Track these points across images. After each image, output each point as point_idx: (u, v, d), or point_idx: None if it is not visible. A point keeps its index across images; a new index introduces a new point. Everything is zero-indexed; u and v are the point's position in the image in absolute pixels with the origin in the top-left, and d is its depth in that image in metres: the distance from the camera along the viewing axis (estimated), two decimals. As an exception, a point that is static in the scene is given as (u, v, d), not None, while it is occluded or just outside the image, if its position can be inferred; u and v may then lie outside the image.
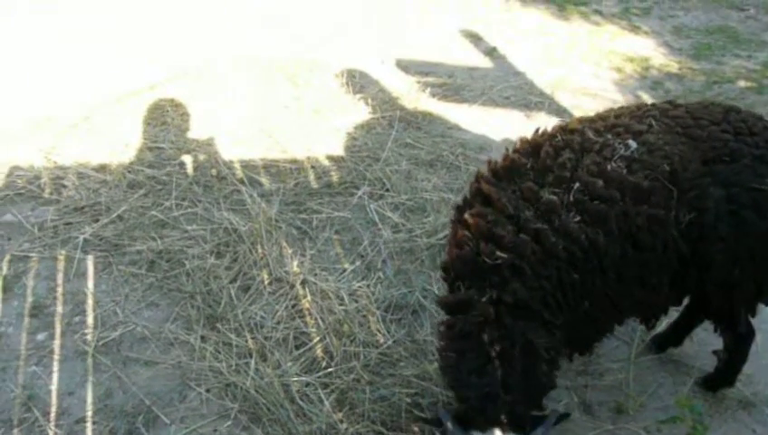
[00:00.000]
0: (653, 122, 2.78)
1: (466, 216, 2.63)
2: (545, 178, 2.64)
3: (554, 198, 2.57)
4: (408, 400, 3.24)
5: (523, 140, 2.86)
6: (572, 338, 2.75)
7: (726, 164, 2.68)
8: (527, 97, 6.03)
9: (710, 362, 3.50)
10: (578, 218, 2.54)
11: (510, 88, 6.16)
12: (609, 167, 2.61)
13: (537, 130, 2.91)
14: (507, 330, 2.48)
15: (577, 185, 2.58)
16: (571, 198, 2.56)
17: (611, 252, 2.56)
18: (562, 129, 2.86)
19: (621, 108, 3.04)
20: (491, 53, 6.77)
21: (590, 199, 2.56)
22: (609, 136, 2.74)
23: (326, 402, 3.21)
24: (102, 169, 4.73)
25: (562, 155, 2.68)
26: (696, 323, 3.47)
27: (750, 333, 3.18)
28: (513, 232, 2.53)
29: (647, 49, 7.00)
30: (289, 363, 3.40)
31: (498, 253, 2.49)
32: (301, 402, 3.21)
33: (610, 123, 2.82)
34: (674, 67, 6.65)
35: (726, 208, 2.65)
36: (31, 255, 4.03)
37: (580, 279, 2.56)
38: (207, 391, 3.31)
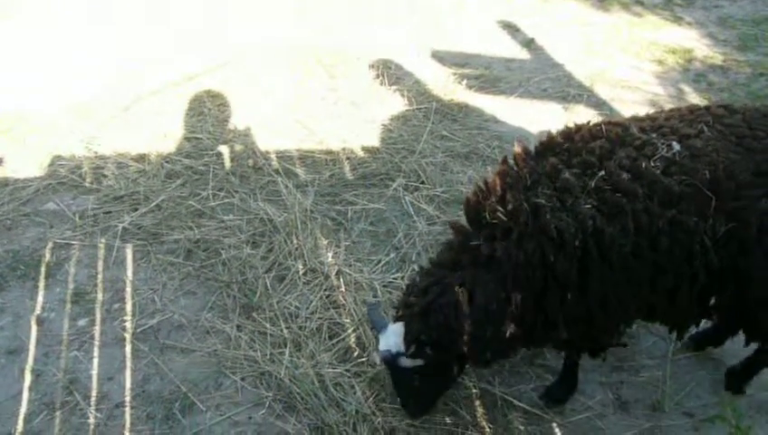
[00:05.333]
0: (704, 128, 2.70)
1: (492, 172, 2.77)
2: (572, 160, 2.66)
3: (573, 179, 2.57)
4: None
5: (570, 125, 2.87)
6: (573, 331, 2.70)
7: None
8: (565, 89, 5.93)
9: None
10: (593, 205, 2.52)
11: (548, 80, 6.08)
12: (642, 164, 2.56)
13: (588, 121, 2.90)
14: (471, 276, 2.62)
15: (602, 173, 2.57)
16: (592, 184, 2.55)
17: (621, 246, 2.50)
18: (609, 121, 2.84)
19: (673, 109, 2.96)
20: (528, 44, 6.68)
21: (611, 190, 2.53)
22: (654, 135, 2.69)
23: (358, 392, 3.22)
24: (141, 159, 4.81)
25: (596, 142, 2.68)
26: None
27: None
28: (521, 199, 2.57)
29: (690, 40, 6.82)
30: (323, 354, 3.42)
31: (498, 213, 2.60)
32: (334, 392, 3.22)
33: (658, 124, 2.77)
34: (718, 59, 6.47)
35: None
36: (72, 242, 4.13)
37: (572, 264, 2.52)
38: (242, 379, 3.35)
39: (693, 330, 3.20)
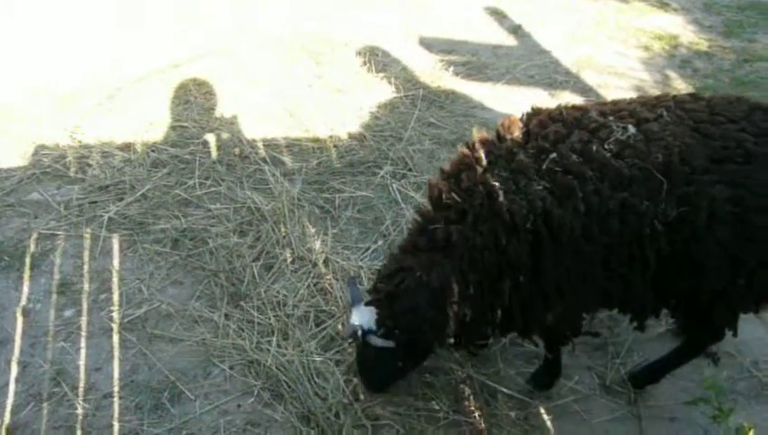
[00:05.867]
0: (664, 113, 2.69)
1: (459, 151, 2.82)
2: (529, 143, 2.69)
3: (527, 160, 2.59)
4: (418, 378, 3.30)
5: (535, 107, 2.87)
6: (530, 318, 2.72)
7: (738, 165, 2.55)
8: (552, 76, 5.94)
9: (732, 345, 3.48)
10: (544, 187, 2.53)
11: (534, 67, 6.08)
12: (594, 147, 2.56)
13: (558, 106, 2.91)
14: (429, 260, 2.66)
15: (553, 155, 2.58)
16: (544, 167, 2.56)
17: (571, 228, 2.51)
18: (573, 105, 2.84)
19: (643, 96, 2.96)
20: (515, 30, 6.67)
21: (562, 172, 2.54)
22: (612, 118, 2.68)
23: (340, 380, 3.25)
24: (126, 147, 4.78)
25: (552, 126, 2.69)
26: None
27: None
28: (476, 182, 2.61)
29: (676, 26, 6.85)
30: (310, 342, 3.43)
31: (453, 195, 2.66)
32: (317, 380, 3.24)
33: (619, 108, 2.76)
34: (703, 45, 6.50)
35: (729, 211, 2.53)
36: (57, 233, 4.10)
37: (524, 247, 2.54)
38: (231, 368, 3.36)
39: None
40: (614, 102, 2.87)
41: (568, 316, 2.81)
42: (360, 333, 2.81)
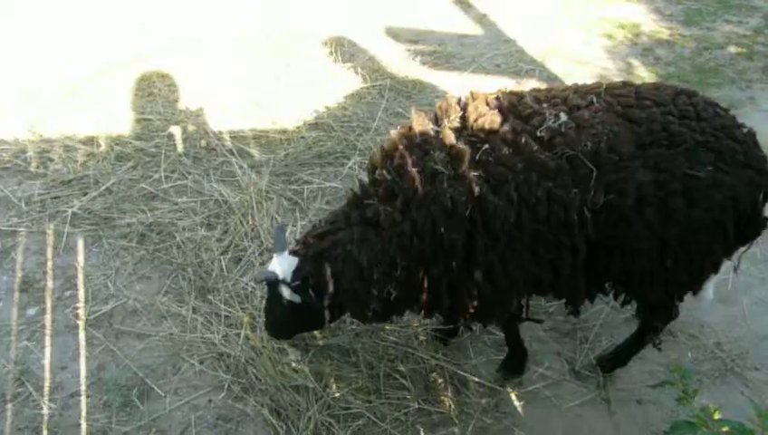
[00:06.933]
0: (594, 99, 2.70)
1: (393, 132, 2.83)
2: (465, 129, 2.69)
3: (463, 147, 2.59)
4: (388, 367, 3.32)
5: (475, 92, 2.86)
6: (456, 301, 2.72)
7: (663, 148, 2.57)
8: (518, 65, 5.98)
9: (695, 327, 3.56)
10: (480, 175, 2.54)
11: (500, 56, 6.11)
12: (523, 139, 2.57)
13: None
14: (360, 234, 2.70)
15: (486, 146, 2.58)
16: (478, 156, 2.56)
17: (504, 216, 2.52)
18: (511, 91, 2.85)
19: (579, 84, 2.94)
20: (481, 20, 6.69)
21: (494, 162, 2.55)
22: (546, 105, 2.69)
23: (306, 370, 3.24)
24: (90, 141, 4.68)
25: (487, 113, 2.69)
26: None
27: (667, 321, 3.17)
28: (409, 164, 2.61)
29: (637, 15, 6.94)
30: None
31: (384, 172, 2.68)
32: (287, 372, 3.23)
33: (553, 94, 2.77)
34: (664, 33, 6.60)
35: (654, 195, 2.55)
36: (19, 229, 4.01)
37: (460, 233, 2.54)
38: (201, 362, 3.33)
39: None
40: (549, 89, 2.88)
41: (497, 301, 2.79)
42: (273, 279, 2.81)
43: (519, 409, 3.22)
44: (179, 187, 4.34)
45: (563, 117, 2.64)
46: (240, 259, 3.83)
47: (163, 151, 4.60)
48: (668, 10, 7.09)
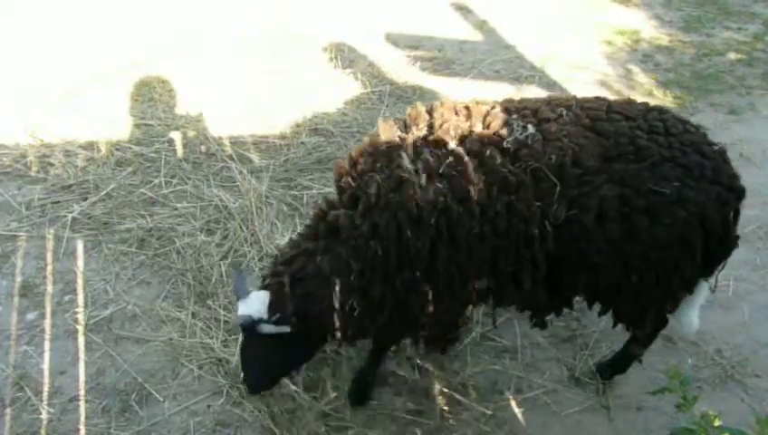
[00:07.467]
0: (564, 112, 2.66)
1: (365, 139, 2.78)
2: (430, 137, 2.64)
3: (430, 158, 2.55)
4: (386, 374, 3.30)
5: (446, 102, 2.83)
6: (405, 313, 2.67)
7: (628, 163, 2.53)
8: (517, 71, 5.99)
9: (697, 335, 3.56)
10: (445, 185, 2.49)
11: (500, 61, 6.13)
12: (487, 151, 2.54)
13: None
14: (325, 246, 2.64)
15: (450, 159, 2.54)
16: (443, 167, 2.52)
17: (466, 227, 2.48)
18: (480, 101, 2.81)
19: (553, 96, 2.93)
20: (481, 26, 6.71)
21: (457, 175, 2.51)
22: (515, 117, 2.66)
23: (299, 381, 3.22)
24: (90, 146, 4.68)
25: (454, 122, 2.66)
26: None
27: (660, 328, 3.12)
28: (374, 171, 2.57)
29: (637, 21, 6.96)
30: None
31: (349, 179, 2.62)
32: (284, 379, 3.20)
33: (524, 105, 2.74)
34: (664, 40, 6.62)
35: (618, 210, 2.51)
36: (19, 234, 4.00)
37: (425, 241, 2.49)
38: (200, 367, 3.32)
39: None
40: (521, 100, 2.84)
41: (449, 313, 2.74)
42: (249, 322, 2.67)
43: (518, 415, 3.22)
44: (179, 192, 4.34)
45: (531, 129, 2.60)
46: (240, 264, 3.83)
47: (163, 157, 4.60)
48: (668, 16, 7.11)
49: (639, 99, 5.57)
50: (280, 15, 6.52)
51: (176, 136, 4.84)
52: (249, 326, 2.68)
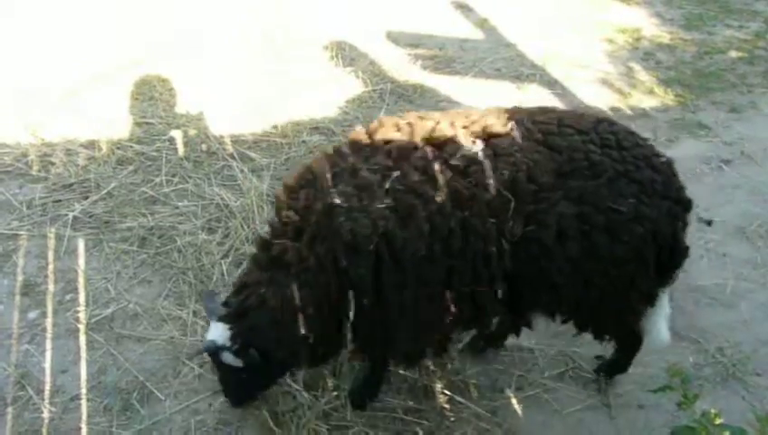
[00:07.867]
0: (515, 126, 2.60)
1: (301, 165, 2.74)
2: (372, 158, 2.56)
3: (371, 177, 2.47)
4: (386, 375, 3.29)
5: (381, 119, 2.78)
6: (373, 338, 2.63)
7: (585, 179, 2.51)
8: (518, 69, 5.99)
9: (698, 333, 3.56)
10: (387, 205, 2.42)
11: (501, 60, 6.12)
12: (436, 165, 2.47)
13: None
14: (269, 277, 2.58)
15: (396, 174, 2.47)
16: (387, 185, 2.45)
17: (413, 249, 2.40)
18: (422, 115, 2.74)
19: (499, 108, 2.83)
20: (482, 24, 6.70)
21: (404, 191, 2.44)
22: (463, 132, 2.59)
23: (300, 380, 3.22)
24: (91, 145, 4.68)
25: (397, 141, 2.59)
26: None
27: (636, 342, 3.13)
28: (313, 199, 2.51)
29: (638, 19, 6.95)
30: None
31: (291, 213, 2.56)
32: (285, 378, 3.20)
33: (471, 120, 2.66)
34: (665, 38, 6.61)
35: (577, 228, 2.48)
36: (20, 233, 4.01)
37: (367, 268, 2.42)
38: (201, 366, 3.32)
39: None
40: (467, 113, 2.75)
41: (416, 337, 2.68)
42: (213, 348, 2.67)
43: (519, 413, 3.22)
44: (180, 190, 4.34)
45: (480, 145, 2.55)
46: (241, 263, 3.83)
47: (164, 155, 4.60)
48: (669, 14, 7.10)
49: (641, 97, 5.65)
50: (280, 14, 6.51)
51: (177, 135, 4.84)
52: (213, 352, 2.68)
